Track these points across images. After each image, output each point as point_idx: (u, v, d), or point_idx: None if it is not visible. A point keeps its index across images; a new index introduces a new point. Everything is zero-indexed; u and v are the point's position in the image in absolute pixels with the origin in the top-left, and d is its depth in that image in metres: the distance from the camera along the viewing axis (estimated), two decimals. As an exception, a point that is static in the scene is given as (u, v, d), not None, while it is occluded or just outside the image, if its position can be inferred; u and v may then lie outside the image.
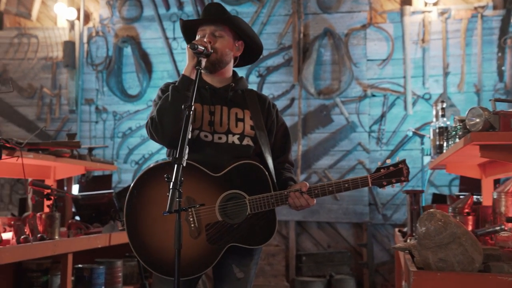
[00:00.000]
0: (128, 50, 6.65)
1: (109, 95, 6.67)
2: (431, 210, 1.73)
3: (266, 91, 6.33)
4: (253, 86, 6.28)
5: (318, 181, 6.24)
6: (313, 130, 6.29)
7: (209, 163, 2.42)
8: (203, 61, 2.43)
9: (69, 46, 6.67)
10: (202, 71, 2.50)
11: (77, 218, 4.47)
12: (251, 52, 2.68)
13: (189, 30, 2.66)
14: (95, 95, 6.72)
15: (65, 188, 4.65)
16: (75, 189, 4.75)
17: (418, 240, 1.80)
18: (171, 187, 1.99)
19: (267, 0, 6.40)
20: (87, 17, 6.82)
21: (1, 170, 3.47)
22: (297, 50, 6.24)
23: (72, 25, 6.76)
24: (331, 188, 2.42)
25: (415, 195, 3.34)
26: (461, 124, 2.62)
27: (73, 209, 4.58)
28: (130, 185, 2.44)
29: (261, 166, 2.44)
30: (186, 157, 2.12)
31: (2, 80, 6.94)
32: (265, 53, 6.36)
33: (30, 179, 4.59)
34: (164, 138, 2.41)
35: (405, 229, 3.91)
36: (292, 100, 6.33)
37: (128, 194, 2.39)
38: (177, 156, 2.09)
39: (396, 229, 4.25)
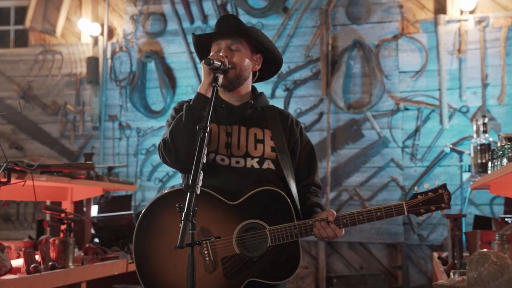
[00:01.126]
0: (151, 65, 6.50)
1: (132, 111, 6.53)
2: (483, 251, 1.46)
3: (293, 106, 6.09)
4: (279, 101, 6.05)
5: (348, 199, 5.95)
6: (342, 145, 6.01)
7: (226, 190, 2.21)
8: (220, 78, 2.22)
9: (92, 62, 6.56)
10: (219, 88, 2.30)
11: (96, 240, 4.30)
12: (270, 65, 2.45)
13: (202, 45, 2.45)
14: (119, 111, 6.58)
15: (84, 209, 4.48)
16: (94, 211, 4.57)
17: (469, 285, 1.52)
18: (183, 218, 1.77)
19: (294, 12, 6.18)
20: (110, 33, 6.72)
21: (14, 193, 3.30)
22: (325, 62, 6.00)
23: (95, 41, 6.66)
24: (361, 217, 2.17)
25: (456, 219, 3.04)
26: (509, 144, 2.32)
27: (93, 231, 4.41)
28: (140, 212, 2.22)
29: (283, 193, 2.20)
30: (200, 184, 1.90)
31: (26, 97, 6.87)
32: (292, 66, 6.13)
33: (48, 202, 4.45)
34: (177, 162, 2.20)
35: (444, 254, 3.61)
36: (321, 114, 6.07)
37: (136, 225, 2.19)
38: (190, 183, 1.86)
39: (435, 254, 3.94)
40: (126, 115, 6.56)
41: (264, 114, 2.39)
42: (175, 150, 2.17)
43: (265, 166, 2.29)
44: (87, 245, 3.86)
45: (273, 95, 6.11)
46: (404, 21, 5.96)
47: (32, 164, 3.03)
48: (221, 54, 2.27)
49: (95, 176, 3.83)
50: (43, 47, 6.91)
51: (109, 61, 6.66)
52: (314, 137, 6.01)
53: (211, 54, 2.36)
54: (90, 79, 6.56)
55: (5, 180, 2.89)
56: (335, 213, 2.17)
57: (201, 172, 1.91)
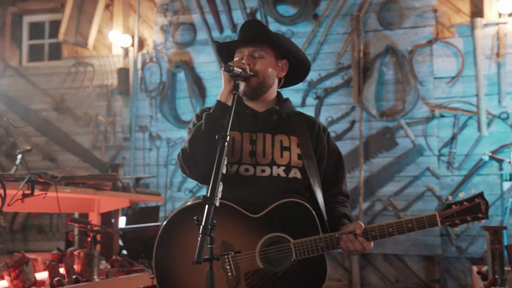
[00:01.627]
0: (181, 75, 6.48)
1: (162, 121, 6.51)
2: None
3: (324, 114, 5.96)
4: (310, 109, 5.93)
5: (382, 209, 5.77)
6: (376, 154, 5.85)
7: (250, 202, 2.13)
8: (242, 85, 2.14)
9: (123, 73, 6.59)
10: (242, 96, 2.21)
11: (124, 252, 4.25)
12: (297, 70, 2.36)
13: (226, 53, 2.37)
14: (149, 122, 6.58)
15: (113, 221, 4.45)
16: (122, 222, 4.54)
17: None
18: (200, 231, 1.69)
19: (324, 19, 6.06)
20: (141, 44, 6.74)
21: (39, 205, 3.28)
22: (357, 69, 5.85)
23: (126, 52, 6.68)
24: (391, 229, 2.07)
25: (496, 232, 2.87)
26: (552, 150, 2.16)
27: (121, 243, 4.38)
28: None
29: (307, 205, 2.10)
30: (219, 196, 1.82)
31: (59, 109, 6.94)
32: (323, 73, 6.01)
33: (76, 214, 4.43)
34: (196, 173, 2.12)
35: (484, 269, 3.42)
36: (353, 122, 5.92)
37: (156, 240, 2.12)
38: (208, 195, 1.77)
39: (474, 268, 3.75)
40: (156, 125, 6.55)
41: (290, 120, 2.30)
42: (194, 160, 2.10)
43: (291, 174, 2.20)
44: (113, 258, 3.81)
45: (303, 104, 6.00)
46: (439, 26, 5.77)
47: (56, 176, 3.00)
48: (243, 61, 2.19)
49: (122, 187, 3.78)
50: (76, 59, 6.98)
51: (140, 72, 6.67)
52: (346, 146, 5.86)
53: (234, 61, 2.28)
54: (120, 90, 6.58)
55: (28, 192, 2.86)
56: (363, 225, 2.07)
57: (221, 183, 1.84)
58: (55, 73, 7.05)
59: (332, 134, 5.86)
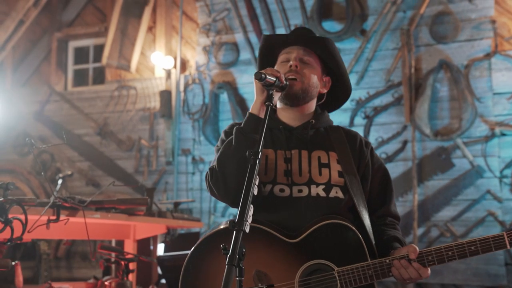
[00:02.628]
0: (224, 96, 6.30)
1: (205, 144, 6.32)
2: None
3: (374, 134, 5.62)
4: (359, 129, 5.61)
5: (439, 235, 5.35)
6: (430, 176, 5.45)
7: (287, 225, 1.88)
8: (276, 96, 1.89)
9: (165, 95, 6.46)
10: (280, 105, 1.99)
11: (163, 281, 4.04)
12: (336, 93, 2.15)
13: (269, 54, 2.15)
14: (192, 145, 6.40)
15: (151, 247, 4.25)
16: (160, 249, 4.33)
17: None
18: (227, 262, 1.45)
19: (373, 34, 5.77)
20: (183, 65, 6.61)
21: (69, 231, 3.10)
22: (408, 86, 5.51)
23: (168, 74, 6.57)
24: (451, 253, 1.77)
25: None
26: None
27: (160, 271, 4.17)
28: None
29: (352, 227, 1.84)
30: (249, 220, 1.57)
31: (103, 134, 6.87)
32: (371, 91, 5.70)
33: (113, 241, 4.24)
34: (226, 194, 1.89)
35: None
36: (405, 143, 5.55)
37: (182, 271, 1.89)
38: (236, 220, 1.54)
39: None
40: (199, 148, 6.37)
41: (328, 135, 2.07)
42: (223, 180, 1.87)
43: (332, 194, 1.94)
44: (151, 287, 3.60)
45: (351, 124, 5.69)
46: (498, 38, 5.37)
47: (84, 200, 2.81)
48: (291, 63, 1.98)
49: (158, 212, 3.58)
50: (119, 83, 6.92)
51: (182, 94, 6.53)
52: (398, 168, 5.50)
53: (278, 62, 2.08)
54: (163, 113, 6.45)
55: (54, 217, 2.68)
56: (417, 248, 1.78)
57: (251, 206, 1.59)
58: (99, 97, 7.01)
59: (383, 156, 5.51)
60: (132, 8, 6.92)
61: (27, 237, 2.42)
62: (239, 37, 6.33)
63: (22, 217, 2.42)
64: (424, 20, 5.61)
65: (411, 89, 5.51)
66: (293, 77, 1.96)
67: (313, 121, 2.05)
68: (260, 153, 1.68)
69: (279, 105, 2.08)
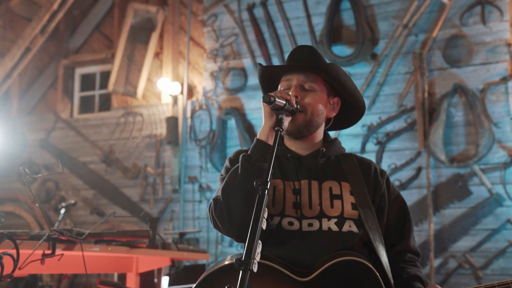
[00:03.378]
0: (232, 123, 6.15)
1: (212, 171, 6.15)
2: None
3: (386, 161, 5.43)
4: (371, 155, 5.42)
5: (457, 267, 5.10)
6: (446, 204, 5.23)
7: (297, 262, 1.71)
8: (286, 121, 1.73)
9: (172, 122, 6.32)
10: (283, 134, 1.82)
11: (167, 316, 3.83)
12: (349, 112, 1.99)
13: (269, 81, 2.00)
14: (199, 173, 6.23)
15: (155, 281, 4.04)
16: (165, 283, 4.12)
17: None
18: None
19: (384, 58, 5.62)
20: (190, 91, 6.49)
21: (66, 265, 2.92)
22: (421, 111, 5.34)
23: (175, 100, 6.44)
24: None
25: None
26: None
27: (163, 306, 3.95)
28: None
29: (369, 264, 1.67)
30: (257, 257, 1.41)
31: (108, 161, 6.73)
32: (383, 117, 5.53)
33: (115, 274, 4.05)
34: (231, 228, 1.72)
35: None
36: (419, 169, 5.35)
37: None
38: (243, 257, 1.39)
39: None
40: (206, 176, 6.19)
41: (340, 164, 1.91)
42: (228, 213, 1.70)
43: (345, 228, 1.78)
44: (153, 324, 3.39)
45: (363, 150, 5.50)
46: (514, 61, 5.22)
47: (82, 233, 2.64)
48: (290, 92, 1.81)
49: (161, 244, 3.40)
50: (125, 110, 6.81)
51: (189, 120, 6.39)
52: (412, 196, 5.29)
53: (277, 91, 1.90)
54: (169, 139, 6.30)
55: (49, 252, 2.51)
56: None
57: (260, 241, 1.43)
58: (105, 124, 6.89)
59: (396, 183, 5.30)
60: (139, 34, 6.85)
61: (19, 274, 2.25)
62: (247, 62, 6.21)
63: (14, 252, 2.25)
64: (437, 44, 5.46)
65: (425, 114, 5.33)
66: None
67: (324, 149, 1.90)
68: (269, 183, 1.52)
69: (285, 136, 1.93)
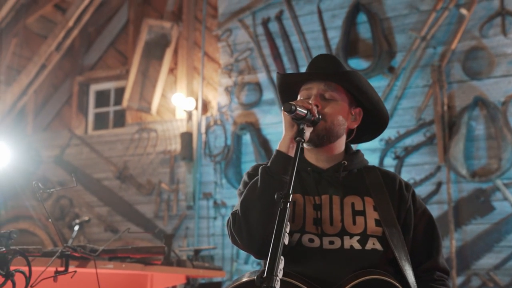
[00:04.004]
0: (247, 138, 6.07)
1: (227, 187, 6.06)
2: None
3: (405, 176, 5.30)
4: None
5: (481, 285, 4.94)
6: (468, 220, 5.09)
7: (318, 279, 1.62)
8: (308, 131, 1.65)
9: (186, 137, 6.26)
10: (305, 145, 1.74)
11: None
12: (371, 124, 1.90)
13: (288, 92, 1.92)
14: (213, 189, 6.15)
15: (170, 298, 3.94)
16: (180, 300, 4.02)
17: None
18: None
19: (401, 71, 5.53)
20: (205, 107, 6.44)
21: (79, 283, 2.83)
22: (441, 125, 5.22)
23: (190, 116, 6.39)
24: None
25: None
26: None
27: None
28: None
29: (396, 283, 1.56)
30: (280, 274, 1.34)
31: (122, 178, 6.67)
32: (402, 131, 5.42)
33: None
34: (250, 243, 1.64)
35: None
36: (439, 184, 5.22)
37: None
38: (265, 274, 1.31)
39: None
40: (221, 192, 6.11)
41: (363, 177, 1.81)
42: (247, 228, 1.61)
43: (369, 246, 1.68)
44: None
45: (381, 164, 5.39)
46: (536, 72, 5.10)
47: (96, 249, 2.56)
48: (310, 101, 1.73)
49: (176, 261, 3.31)
50: (139, 125, 6.77)
51: (203, 135, 6.33)
52: (432, 211, 5.00)
53: (298, 100, 1.82)
54: (184, 155, 6.24)
55: (62, 269, 2.44)
56: None
57: (282, 258, 1.35)
58: (119, 140, 6.85)
59: (416, 198, 5.16)
60: (154, 50, 6.83)
61: (30, 292, 2.17)
62: (262, 76, 6.15)
63: (26, 269, 2.18)
64: (456, 56, 5.35)
65: (444, 128, 5.21)
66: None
67: (345, 162, 1.80)
68: (291, 196, 1.44)
69: (306, 146, 1.85)
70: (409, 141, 5.41)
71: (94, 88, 7.40)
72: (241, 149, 6.10)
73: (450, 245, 5.02)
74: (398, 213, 1.78)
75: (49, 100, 7.43)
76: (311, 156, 1.84)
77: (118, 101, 7.14)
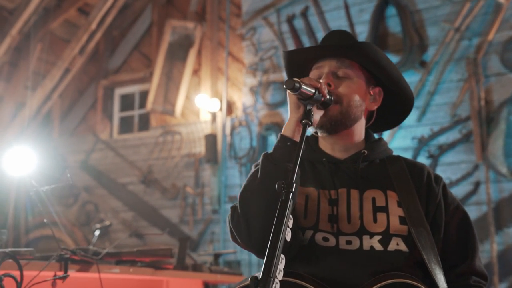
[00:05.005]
0: (272, 138, 5.86)
1: (253, 191, 5.84)
2: None
3: (440, 175, 4.97)
4: (423, 170, 5.00)
5: (525, 292, 4.59)
6: (510, 222, 4.75)
7: (333, 282, 1.41)
8: (317, 114, 1.42)
9: (210, 139, 6.09)
10: (318, 133, 1.52)
11: None
12: (394, 106, 1.67)
13: (298, 72, 1.69)
14: (239, 192, 5.93)
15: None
16: (199, 308, 3.81)
17: None
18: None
19: (434, 65, 5.23)
20: (229, 107, 6.25)
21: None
22: (478, 121, 4.90)
23: (214, 117, 6.21)
24: None
25: None
26: None
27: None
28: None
29: (423, 287, 1.31)
30: (280, 276, 1.14)
31: (147, 182, 6.54)
32: (435, 128, 5.11)
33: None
34: (250, 240, 1.44)
35: None
36: (477, 184, 4.89)
37: None
38: (261, 276, 1.12)
39: None
40: (247, 195, 5.89)
41: (386, 169, 1.58)
42: (246, 223, 1.41)
43: (392, 246, 1.46)
44: None
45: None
46: None
47: (99, 252, 2.38)
48: (321, 80, 1.51)
49: (192, 265, 3.11)
50: (163, 129, 6.63)
51: (228, 137, 6.14)
52: (470, 213, 4.73)
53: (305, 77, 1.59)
54: (208, 158, 6.06)
55: (61, 273, 2.26)
56: None
57: (282, 256, 1.14)
58: (144, 144, 6.73)
59: (452, 199, 4.85)
60: (177, 52, 6.69)
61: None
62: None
63: (17, 273, 2.01)
64: (494, 48, 5.02)
65: (482, 124, 4.89)
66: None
67: (365, 151, 1.58)
68: (294, 185, 1.22)
69: (319, 133, 1.62)
70: (443, 139, 5.10)
71: (118, 92, 7.31)
72: (267, 150, 5.85)
73: (490, 249, 4.68)
74: (426, 209, 1.56)
75: (74, 104, 7.38)
76: (326, 145, 1.63)
77: (143, 104, 7.02)
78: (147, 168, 6.58)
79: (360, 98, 1.58)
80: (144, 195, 6.53)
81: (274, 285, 1.10)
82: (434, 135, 5.10)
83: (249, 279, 1.40)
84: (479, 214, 4.84)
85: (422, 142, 5.13)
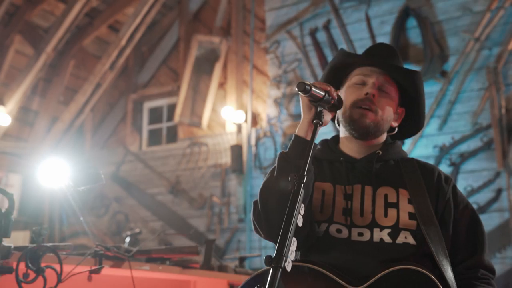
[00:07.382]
0: (296, 149, 5.98)
1: (278, 200, 5.97)
2: None
3: (462, 183, 5.05)
4: (445, 178, 5.06)
5: (549, 299, 4.60)
6: (533, 229, 4.77)
7: (346, 269, 1.54)
8: (326, 115, 1.58)
9: (236, 150, 6.26)
10: (344, 134, 1.74)
11: None
12: (407, 125, 1.84)
13: (338, 72, 1.84)
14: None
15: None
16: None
17: None
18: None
19: (455, 75, 5.32)
20: (254, 119, 6.42)
21: (116, 285, 2.84)
22: (499, 129, 4.96)
23: (239, 129, 6.39)
24: None
25: None
26: None
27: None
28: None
29: (431, 275, 1.43)
30: (292, 256, 1.27)
31: (175, 192, 6.73)
32: (456, 136, 5.19)
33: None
34: (269, 231, 1.59)
35: None
36: (499, 191, 4.94)
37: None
38: (274, 255, 1.26)
39: None
40: (272, 204, 6.02)
41: (399, 168, 1.72)
42: (265, 216, 1.57)
43: (400, 239, 1.58)
44: None
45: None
46: None
47: (130, 250, 2.55)
48: (368, 91, 1.66)
49: (218, 266, 3.26)
50: (190, 140, 6.83)
51: (253, 148, 6.30)
52: (492, 220, 4.88)
53: (343, 86, 1.78)
54: (234, 168, 6.23)
55: (95, 267, 2.44)
56: None
57: (294, 239, 1.27)
58: (171, 155, 6.94)
59: (474, 206, 4.89)
60: (204, 66, 6.91)
61: (62, 289, 2.18)
62: (310, 87, 6.07)
63: (58, 266, 2.19)
64: (513, 57, 5.10)
65: (503, 132, 4.95)
66: (367, 107, 1.67)
67: (380, 152, 1.72)
68: (305, 177, 1.37)
69: (343, 133, 1.78)
70: (465, 147, 5.17)
71: (147, 105, 7.56)
72: (291, 160, 6.01)
73: (513, 256, 4.72)
74: (436, 207, 1.68)
75: (105, 118, 7.65)
76: (347, 145, 1.78)
77: (171, 117, 7.25)
78: (175, 178, 6.78)
79: (392, 114, 1.74)
80: (172, 205, 6.73)
81: (286, 264, 1.24)
82: (456, 144, 5.18)
83: (264, 258, 1.56)
84: (501, 221, 4.88)
85: (444, 151, 5.20)
